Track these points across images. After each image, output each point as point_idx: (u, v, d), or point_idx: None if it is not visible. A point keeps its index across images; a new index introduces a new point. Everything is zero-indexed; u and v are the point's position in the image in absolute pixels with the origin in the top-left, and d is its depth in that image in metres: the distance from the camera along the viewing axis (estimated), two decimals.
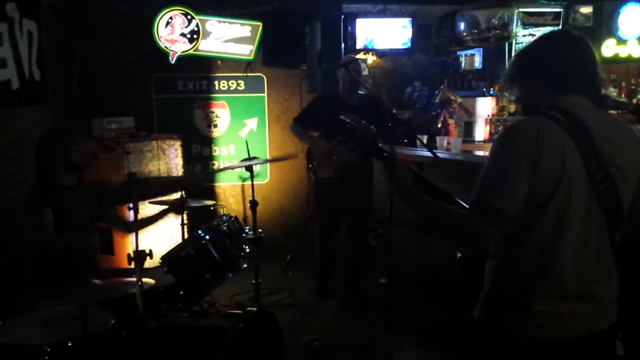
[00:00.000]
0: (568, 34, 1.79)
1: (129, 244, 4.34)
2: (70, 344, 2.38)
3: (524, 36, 5.86)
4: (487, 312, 1.73)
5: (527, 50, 1.79)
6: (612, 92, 5.66)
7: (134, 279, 2.61)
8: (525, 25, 5.80)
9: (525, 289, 1.64)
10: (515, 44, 5.88)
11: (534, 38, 1.83)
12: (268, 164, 5.79)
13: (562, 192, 1.58)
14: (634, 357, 2.15)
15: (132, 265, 2.63)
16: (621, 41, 6.10)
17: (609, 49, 6.03)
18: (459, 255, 1.93)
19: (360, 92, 4.45)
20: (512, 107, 5.72)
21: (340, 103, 4.33)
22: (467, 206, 1.67)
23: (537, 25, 5.88)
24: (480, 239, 1.65)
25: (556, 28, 5.83)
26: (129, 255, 2.64)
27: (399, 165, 1.87)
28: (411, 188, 1.82)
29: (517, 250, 1.66)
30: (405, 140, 4.98)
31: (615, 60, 6.06)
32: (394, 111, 4.95)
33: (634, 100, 5.78)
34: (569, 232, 1.61)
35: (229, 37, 5.53)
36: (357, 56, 5.60)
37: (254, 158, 3.96)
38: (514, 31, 5.60)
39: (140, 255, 2.60)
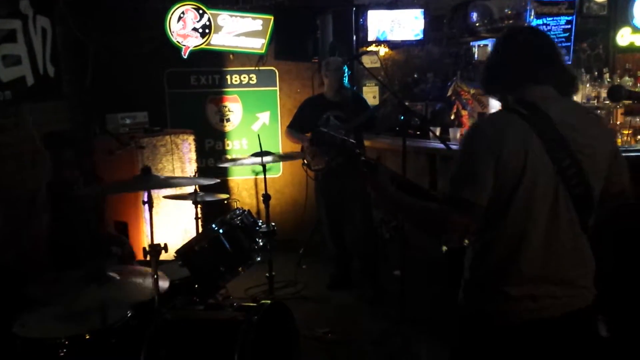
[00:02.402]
0: (526, 29, 1.92)
1: (144, 237, 4.38)
2: (87, 337, 2.41)
3: (537, 25, 5.79)
4: (468, 298, 1.83)
5: (490, 55, 1.88)
6: (627, 81, 5.58)
7: (150, 270, 2.63)
8: (538, 14, 5.73)
9: (500, 274, 1.73)
10: None
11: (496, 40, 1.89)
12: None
13: (527, 182, 1.66)
14: (616, 338, 2.22)
15: (148, 259, 2.65)
16: (636, 30, 6.00)
17: (623, 37, 5.95)
18: (445, 249, 1.99)
19: (345, 89, 4.64)
20: None
21: (326, 101, 4.53)
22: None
23: (550, 14, 5.80)
24: (458, 230, 1.74)
25: (571, 17, 5.76)
26: (144, 249, 2.66)
27: (378, 169, 1.91)
28: (390, 189, 1.88)
29: (492, 238, 1.74)
30: (418, 132, 4.97)
31: (630, 49, 5.97)
32: (407, 103, 4.93)
33: None
34: (537, 219, 1.68)
35: (240, 31, 5.53)
36: (369, 48, 5.61)
37: (266, 152, 3.97)
38: (528, 21, 5.53)
39: (155, 249, 2.62)
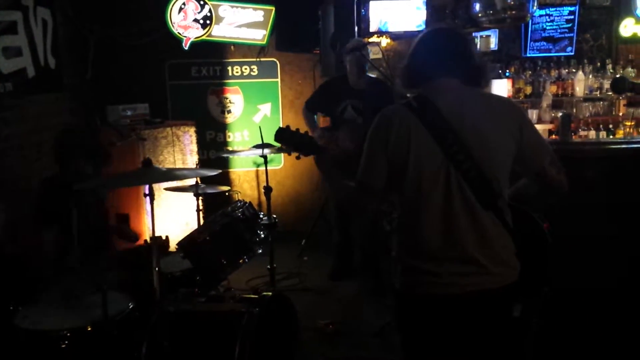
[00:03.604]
0: (432, 30, 2.06)
1: (146, 229, 4.39)
2: (89, 329, 2.42)
3: (540, 16, 5.76)
4: (392, 273, 2.01)
5: (407, 56, 2.04)
6: (630, 72, 5.56)
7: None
8: (542, 5, 5.70)
9: (409, 250, 1.93)
10: (532, 24, 5.79)
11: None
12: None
13: (412, 167, 1.84)
14: (528, 319, 2.35)
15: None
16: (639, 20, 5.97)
17: (627, 28, 5.91)
18: (388, 228, 2.24)
19: (370, 75, 4.44)
20: (529, 89, 5.65)
21: (347, 88, 4.39)
22: None
23: (553, 5, 5.77)
24: (366, 206, 2.09)
25: (574, 8, 5.73)
26: (145, 241, 2.66)
27: (324, 152, 2.16)
28: (331, 169, 2.14)
29: (399, 217, 1.97)
30: None
31: (633, 40, 5.93)
32: (408, 95, 4.91)
33: None
34: (428, 201, 1.84)
35: (241, 22, 5.51)
36: (371, 39, 5.58)
37: (267, 144, 3.96)
38: (531, 11, 5.50)
39: (157, 241, 2.63)
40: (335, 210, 4.76)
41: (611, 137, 5.40)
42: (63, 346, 2.37)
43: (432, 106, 1.86)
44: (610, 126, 5.53)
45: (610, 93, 5.46)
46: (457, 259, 1.84)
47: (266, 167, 4.06)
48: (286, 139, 2.12)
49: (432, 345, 1.92)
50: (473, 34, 5.92)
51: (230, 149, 5.79)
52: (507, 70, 5.70)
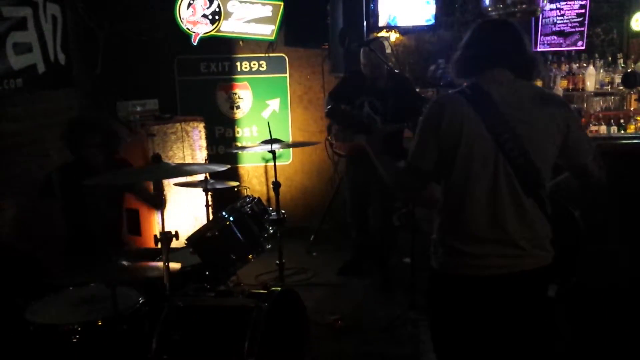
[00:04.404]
0: (488, 21, 2.18)
1: (155, 224, 4.41)
2: (100, 324, 2.43)
3: (550, 10, 5.71)
4: (431, 256, 2.07)
5: (459, 47, 2.10)
6: None
7: (160, 263, 2.65)
8: None
9: (450, 232, 2.00)
10: (542, 18, 5.74)
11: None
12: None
13: (463, 149, 1.91)
14: (564, 299, 2.46)
15: (159, 246, 2.66)
16: None
17: (638, 22, 5.83)
18: (397, 224, 2.40)
19: (395, 70, 4.40)
20: (539, 84, 5.61)
21: (369, 84, 4.32)
22: None
23: None
24: (408, 189, 2.08)
25: (584, 1, 5.67)
26: (155, 236, 2.67)
27: (376, 133, 2.31)
28: (381, 152, 2.21)
29: (444, 200, 2.02)
30: None
31: None
32: (417, 89, 4.88)
33: None
34: (475, 185, 1.92)
35: (250, 18, 5.51)
36: (380, 34, 5.56)
37: (276, 140, 3.96)
38: (541, 5, 5.45)
39: (166, 236, 2.63)
40: (351, 206, 4.70)
41: (622, 132, 5.36)
42: (74, 340, 2.39)
43: (486, 94, 1.94)
44: (622, 121, 5.48)
45: (621, 88, 5.40)
46: (499, 241, 1.92)
47: (275, 162, 4.06)
48: (339, 116, 2.17)
49: (465, 325, 2.00)
50: None
51: (239, 144, 5.80)
52: None
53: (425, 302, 3.70)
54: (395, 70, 4.51)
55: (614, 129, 5.43)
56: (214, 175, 3.91)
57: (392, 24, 5.67)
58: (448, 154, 1.93)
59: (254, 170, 5.93)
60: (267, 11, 5.52)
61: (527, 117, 1.92)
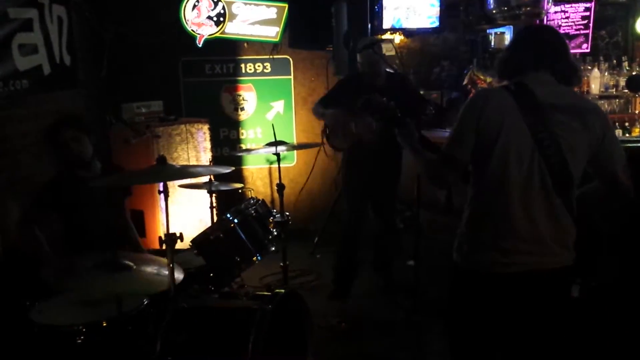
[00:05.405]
0: (536, 26, 2.29)
1: (160, 226, 4.42)
2: (104, 324, 2.44)
3: (555, 13, 5.71)
4: (456, 248, 2.10)
5: (506, 47, 2.22)
6: None
7: (165, 260, 2.65)
8: (556, 1, 5.64)
9: (479, 226, 2.03)
10: (547, 21, 5.73)
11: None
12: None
13: (502, 142, 1.94)
14: (588, 299, 2.43)
15: (164, 247, 2.67)
16: None
17: None
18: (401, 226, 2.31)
19: (389, 70, 4.38)
20: None
21: (365, 84, 4.29)
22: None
23: (569, 1, 5.71)
24: (442, 178, 2.12)
25: (589, 4, 5.66)
26: (160, 238, 2.68)
27: (409, 126, 2.29)
28: (416, 144, 2.24)
29: (475, 192, 2.05)
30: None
31: None
32: (422, 92, 4.88)
33: None
34: (510, 181, 1.95)
35: (255, 19, 5.52)
36: (384, 36, 5.56)
37: (280, 142, 3.96)
38: (546, 8, 5.45)
39: (171, 238, 2.64)
40: (347, 228, 4.47)
41: (627, 135, 5.34)
42: (78, 341, 2.40)
43: (530, 93, 1.98)
44: (626, 124, 5.46)
45: (626, 91, 5.39)
46: (527, 238, 1.96)
47: (279, 164, 4.07)
48: (373, 107, 2.26)
49: (485, 321, 2.05)
50: (487, 31, 5.89)
51: (243, 146, 5.81)
52: None
53: (428, 305, 3.73)
54: (391, 71, 4.45)
55: (618, 132, 5.41)
56: (219, 176, 3.93)
57: (397, 26, 5.66)
58: (486, 146, 1.96)
59: (258, 172, 5.94)
60: (271, 13, 5.54)
61: (566, 121, 1.95)
